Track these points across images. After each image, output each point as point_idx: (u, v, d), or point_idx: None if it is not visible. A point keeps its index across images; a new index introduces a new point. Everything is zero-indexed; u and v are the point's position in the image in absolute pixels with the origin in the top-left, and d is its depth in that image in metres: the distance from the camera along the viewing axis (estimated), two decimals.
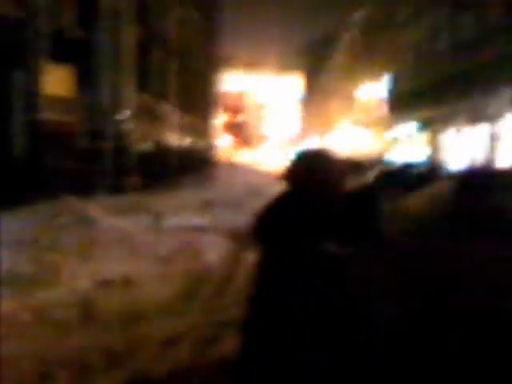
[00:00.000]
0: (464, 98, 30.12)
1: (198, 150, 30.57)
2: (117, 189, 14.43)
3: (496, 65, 26.19)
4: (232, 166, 31.71)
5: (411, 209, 17.94)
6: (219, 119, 47.05)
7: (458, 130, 31.88)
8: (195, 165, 27.98)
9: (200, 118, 32.98)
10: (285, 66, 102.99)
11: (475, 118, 28.97)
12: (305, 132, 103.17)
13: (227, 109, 27.34)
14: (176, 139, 22.92)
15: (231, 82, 73.83)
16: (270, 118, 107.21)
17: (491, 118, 27.03)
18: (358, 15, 60.58)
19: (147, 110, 19.01)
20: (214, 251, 7.89)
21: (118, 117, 15.74)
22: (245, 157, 51.74)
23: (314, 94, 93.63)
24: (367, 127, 55.32)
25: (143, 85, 18.96)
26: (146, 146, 17.58)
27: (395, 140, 44.76)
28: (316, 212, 2.34)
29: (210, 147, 35.68)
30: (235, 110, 25.59)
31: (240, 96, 28.52)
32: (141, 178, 16.27)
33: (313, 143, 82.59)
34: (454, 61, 32.28)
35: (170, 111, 22.90)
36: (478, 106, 28.16)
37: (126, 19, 16.62)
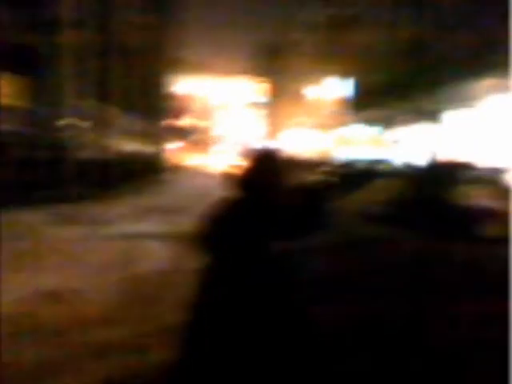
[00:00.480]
0: (408, 98, 30.84)
1: (146, 155, 30.33)
2: (56, 199, 14.21)
3: (438, 64, 26.90)
4: (181, 170, 31.59)
5: (353, 204, 18.32)
6: (169, 123, 46.74)
7: (403, 128, 32.61)
8: (143, 170, 27.76)
9: (148, 123, 32.75)
10: (237, 69, 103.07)
11: (418, 116, 29.70)
12: (259, 134, 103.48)
13: (175, 112, 27.13)
14: (121, 145, 22.71)
15: (182, 84, 73.43)
16: (223, 120, 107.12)
17: (432, 116, 27.76)
18: (308, 18, 61.17)
19: (89, 117, 18.80)
20: (152, 258, 7.91)
21: (57, 125, 15.53)
22: (196, 160, 51.50)
23: (267, 96, 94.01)
24: (318, 128, 55.95)
25: (84, 90, 18.75)
26: (87, 153, 17.37)
27: (345, 139, 45.44)
28: (267, 216, 2.30)
29: (159, 152, 35.43)
30: (182, 112, 25.44)
31: (187, 98, 28.38)
32: (83, 186, 16.06)
33: (266, 144, 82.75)
34: (398, 62, 32.97)
35: (114, 116, 22.67)
36: (420, 104, 28.88)
37: (86, 28, 16.48)
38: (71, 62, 17.31)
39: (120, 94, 24.20)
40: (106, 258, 7.46)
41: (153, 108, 33.98)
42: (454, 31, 25.62)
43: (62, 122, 15.90)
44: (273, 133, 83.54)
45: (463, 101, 24.50)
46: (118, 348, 5.07)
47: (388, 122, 34.36)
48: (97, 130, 19.49)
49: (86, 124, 17.94)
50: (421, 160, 28.52)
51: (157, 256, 8.11)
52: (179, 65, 64.73)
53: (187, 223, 12.09)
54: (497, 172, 12.99)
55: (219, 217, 2.37)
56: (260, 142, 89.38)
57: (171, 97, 31.05)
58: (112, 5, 22.95)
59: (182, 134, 51.92)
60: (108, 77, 22.83)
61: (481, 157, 20.93)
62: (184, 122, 59.99)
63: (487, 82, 22.32)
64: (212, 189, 19.15)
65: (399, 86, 31.90)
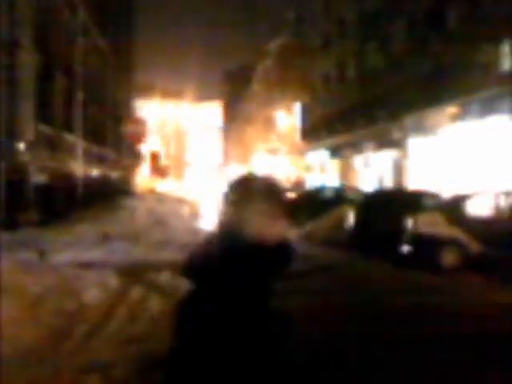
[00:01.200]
0: (370, 126, 31.15)
1: (109, 181, 29.89)
2: (9, 224, 13.76)
3: (399, 92, 27.25)
4: (146, 196, 31.17)
5: (317, 232, 18.25)
6: (137, 149, 46.44)
7: (366, 156, 32.84)
8: (106, 197, 27.30)
9: (113, 149, 32.36)
10: (204, 95, 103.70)
11: (381, 143, 29.97)
12: (226, 159, 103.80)
13: (140, 137, 26.83)
14: (82, 171, 22.28)
15: (149, 110, 73.25)
16: (191, 145, 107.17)
17: (396, 144, 28.01)
18: (273, 45, 61.85)
19: (48, 141, 18.37)
20: (95, 288, 7.59)
21: (13, 148, 15.12)
22: (164, 186, 51.16)
23: (234, 122, 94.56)
24: (283, 154, 56.20)
25: (44, 115, 18.35)
26: (44, 178, 16.93)
27: (308, 166, 45.64)
28: (265, 256, 1.94)
29: (124, 178, 34.99)
30: (137, 138, 25.01)
31: (142, 123, 27.95)
32: (38, 212, 15.61)
33: (234, 170, 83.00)
34: (360, 89, 33.39)
35: (76, 142, 22.27)
36: (383, 132, 29.15)
37: (24, 48, 16.09)
38: (29, 87, 16.95)
39: (82, 120, 23.87)
40: (44, 287, 7.11)
41: (119, 135, 33.66)
42: (411, 60, 26.01)
43: (20, 146, 15.47)
44: (242, 159, 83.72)
45: (427, 128, 24.76)
46: None
47: (353, 149, 34.60)
48: (55, 155, 19.05)
49: (42, 149, 17.48)
50: (384, 186, 28.81)
51: (102, 286, 7.80)
52: (147, 91, 64.92)
53: (139, 251, 11.92)
54: (458, 200, 12.97)
55: (217, 256, 1.93)
56: (231, 168, 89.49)
57: (138, 122, 30.72)
58: (73, 34, 22.73)
59: (151, 159, 51.67)
60: (70, 103, 22.51)
61: (444, 184, 21.13)
62: (151, 147, 59.65)
63: (450, 110, 22.61)
64: (172, 215, 18.93)
65: (363, 112, 32.24)
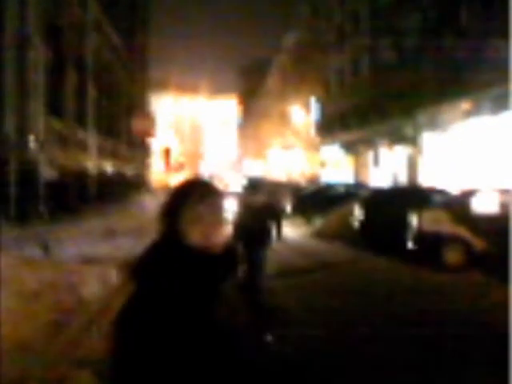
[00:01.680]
0: (384, 122, 31.00)
1: (124, 175, 30.08)
2: (21, 218, 13.96)
3: (413, 88, 27.07)
4: (160, 192, 31.33)
5: (327, 229, 18.30)
6: (152, 144, 46.62)
7: (379, 152, 32.71)
8: (120, 191, 27.48)
9: (127, 144, 32.54)
10: (219, 89, 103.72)
11: (394, 139, 29.83)
12: (241, 154, 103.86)
13: (136, 132, 26.77)
14: (95, 165, 22.48)
15: (163, 105, 73.53)
16: (206, 140, 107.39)
17: (409, 140, 27.86)
18: (288, 40, 61.63)
19: (59, 136, 18.57)
20: (95, 283, 7.69)
21: (24, 143, 15.31)
22: (178, 179, 51.38)
23: (249, 117, 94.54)
24: (298, 149, 56.12)
25: (56, 110, 18.54)
26: (56, 172, 17.12)
27: (323, 162, 45.53)
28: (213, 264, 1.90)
29: (138, 173, 35.21)
30: (145, 133, 24.98)
31: (150, 118, 27.86)
32: (49, 207, 15.80)
33: (249, 165, 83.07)
34: (373, 85, 33.23)
35: (88, 137, 22.47)
36: (397, 128, 29.01)
37: (35, 43, 16.25)
38: (40, 82, 17.12)
39: (95, 115, 24.04)
40: (43, 282, 7.22)
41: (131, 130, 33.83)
42: (424, 56, 25.83)
43: (32, 141, 15.66)
44: (257, 153, 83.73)
45: (440, 124, 24.59)
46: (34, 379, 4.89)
47: (367, 145, 34.48)
48: (67, 149, 19.25)
49: (54, 143, 17.67)
50: (397, 183, 28.69)
51: (102, 280, 7.91)
52: (161, 86, 65.16)
53: (143, 247, 11.95)
54: (464, 197, 12.88)
55: (159, 262, 1.90)
56: (246, 163, 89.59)
57: (146, 117, 30.81)
58: (85, 28, 22.88)
59: (164, 154, 51.91)
60: (83, 98, 22.67)
61: (456, 180, 21.02)
62: (164, 142, 59.86)
63: (463, 106, 22.43)
64: None
65: (378, 109, 32.09)
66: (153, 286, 1.83)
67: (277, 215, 9.40)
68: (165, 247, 1.88)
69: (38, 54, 16.82)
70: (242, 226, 9.10)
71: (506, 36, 20.00)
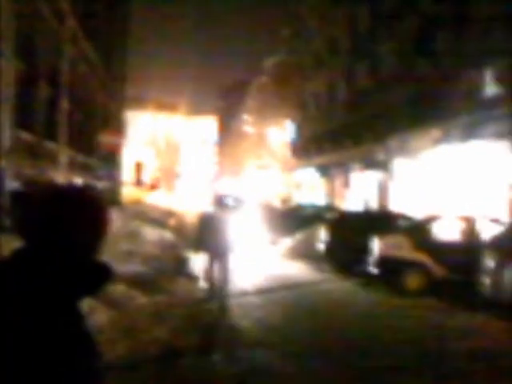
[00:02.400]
0: (357, 146, 31.32)
1: (97, 189, 29.80)
2: None
3: (386, 114, 27.43)
4: (130, 207, 31.12)
5: (296, 248, 18.32)
6: (125, 159, 46.35)
7: (352, 176, 32.99)
8: None
9: (100, 159, 32.23)
10: (198, 109, 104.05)
11: (366, 164, 30.12)
12: (218, 173, 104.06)
13: (104, 148, 26.22)
14: (63, 179, 22.24)
15: (141, 122, 73.48)
16: (183, 158, 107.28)
17: (380, 165, 28.14)
18: (269, 62, 62.17)
19: (28, 148, 18.34)
20: None
21: None
22: (153, 197, 51.09)
23: (227, 137, 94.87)
24: (274, 170, 56.37)
25: (25, 122, 18.30)
26: (18, 184, 16.89)
27: (297, 184, 45.77)
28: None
29: (110, 188, 34.89)
30: (112, 149, 24.50)
31: (118, 134, 27.40)
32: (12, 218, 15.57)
33: (226, 183, 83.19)
34: (348, 110, 33.62)
35: (58, 150, 22.24)
36: (369, 153, 29.30)
37: (5, 54, 16.09)
38: (9, 95, 16.93)
39: (67, 129, 23.83)
40: None
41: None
42: (398, 83, 26.26)
43: None
44: (234, 173, 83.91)
45: (410, 151, 24.91)
46: None
47: (340, 169, 34.76)
48: (34, 163, 19.01)
49: (21, 157, 17.44)
50: (368, 206, 28.91)
51: None
52: (139, 103, 65.19)
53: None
54: (426, 222, 13.01)
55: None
56: (223, 182, 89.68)
57: (114, 133, 30.70)
58: (59, 42, 22.78)
59: (137, 170, 51.81)
60: (54, 112, 22.48)
61: (424, 206, 21.24)
62: (138, 158, 59.69)
63: (433, 133, 22.77)
64: (149, 228, 18.91)
65: (351, 133, 32.41)
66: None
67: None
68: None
69: (9, 66, 16.65)
70: (200, 238, 9.47)
71: (477, 67, 20.44)
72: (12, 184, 16.20)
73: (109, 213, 1.99)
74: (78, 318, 1.86)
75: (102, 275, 1.90)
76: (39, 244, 1.83)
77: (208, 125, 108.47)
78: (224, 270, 9.68)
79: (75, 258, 1.84)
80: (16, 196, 15.94)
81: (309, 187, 42.28)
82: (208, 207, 13.47)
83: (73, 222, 1.85)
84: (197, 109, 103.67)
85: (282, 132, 52.22)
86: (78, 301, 1.85)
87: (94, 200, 1.97)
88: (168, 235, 18.27)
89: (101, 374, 1.92)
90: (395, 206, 25.16)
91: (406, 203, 23.97)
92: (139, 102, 69.08)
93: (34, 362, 1.71)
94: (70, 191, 1.97)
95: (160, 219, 24.76)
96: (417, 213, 16.45)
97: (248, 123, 72.71)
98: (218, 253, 9.68)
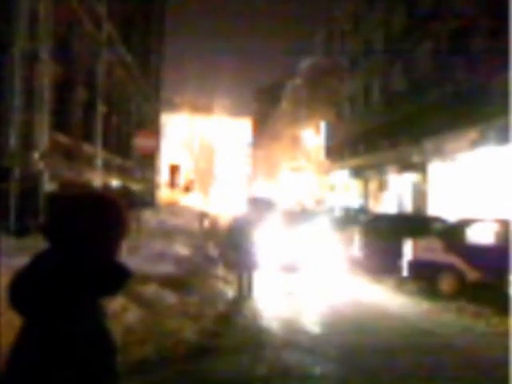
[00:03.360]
0: (392, 149, 31.03)
1: (130, 192, 30.24)
2: (19, 231, 14.04)
3: (421, 116, 27.13)
4: (166, 209, 31.47)
5: None
6: (161, 162, 46.87)
7: (387, 178, 32.68)
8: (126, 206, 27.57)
9: (137, 162, 32.65)
10: (234, 111, 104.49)
11: (402, 167, 29.81)
12: (254, 175, 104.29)
13: (139, 150, 26.49)
14: (100, 181, 22.65)
15: (177, 124, 74.19)
16: (219, 160, 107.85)
17: (416, 168, 27.84)
18: (304, 64, 62.09)
19: (64, 151, 18.73)
20: None
21: (28, 156, 15.47)
22: (188, 199, 51.57)
23: (262, 139, 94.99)
24: (308, 172, 56.23)
25: (63, 125, 18.71)
26: (55, 185, 17.27)
27: (332, 186, 45.58)
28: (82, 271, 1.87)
29: (146, 190, 35.38)
30: (147, 151, 24.95)
31: (153, 136, 27.73)
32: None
33: (260, 186, 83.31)
34: (384, 112, 33.33)
35: (95, 153, 22.65)
36: (405, 155, 29.00)
37: (43, 60, 16.48)
38: (47, 98, 17.32)
39: (103, 132, 24.22)
40: None
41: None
42: (434, 84, 25.94)
43: (34, 155, 15.82)
44: (268, 175, 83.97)
45: (447, 153, 24.58)
46: None
47: (375, 171, 34.49)
48: (71, 165, 19.40)
49: (58, 158, 17.83)
50: (401, 209, 28.61)
51: None
52: (175, 105, 65.80)
53: (133, 263, 12.02)
54: (460, 225, 12.82)
55: (35, 277, 1.88)
56: (258, 184, 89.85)
57: (149, 135, 31.01)
58: (96, 46, 23.15)
59: (174, 173, 52.24)
60: (91, 115, 22.88)
61: (461, 209, 20.94)
62: (175, 160, 60.24)
63: (470, 135, 22.42)
64: (183, 230, 19.08)
65: (387, 135, 32.15)
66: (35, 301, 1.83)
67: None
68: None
69: (47, 69, 17.03)
70: (231, 241, 10.45)
71: None
72: (49, 186, 16.58)
73: (128, 216, 2.03)
74: (97, 315, 1.92)
75: (120, 276, 1.96)
76: (63, 245, 1.90)
77: (243, 127, 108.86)
78: (249, 277, 10.14)
79: (96, 259, 1.91)
80: (52, 198, 16.27)
81: (343, 189, 42.08)
82: (240, 210, 13.75)
83: (94, 225, 1.95)
84: (232, 111, 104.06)
85: (317, 134, 52.05)
86: (99, 299, 1.92)
87: (113, 204, 2.04)
88: (201, 237, 18.39)
89: (116, 370, 1.97)
90: (431, 208, 24.89)
91: (442, 206, 23.67)
92: (174, 105, 69.78)
93: (54, 355, 1.78)
94: (91, 197, 2.06)
95: (192, 221, 24.95)
96: (453, 216, 16.21)
97: (282, 125, 72.73)
98: (247, 258, 10.14)
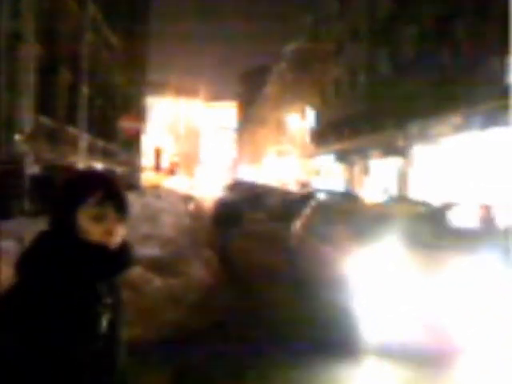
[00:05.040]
0: (376, 133, 31.17)
1: (114, 174, 30.14)
2: (2, 214, 13.96)
3: (406, 100, 27.22)
4: (150, 191, 31.37)
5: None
6: (145, 144, 46.68)
7: (371, 162, 32.85)
8: None
9: (121, 145, 32.57)
10: (219, 95, 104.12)
11: (386, 151, 29.98)
12: (237, 159, 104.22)
13: (124, 133, 26.14)
14: (83, 163, 22.55)
15: (161, 107, 73.78)
16: (204, 144, 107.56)
17: (400, 152, 27.99)
18: (289, 48, 61.90)
19: (48, 133, 18.62)
20: None
21: (11, 139, 15.35)
22: (172, 182, 51.46)
23: (246, 123, 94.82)
24: (293, 157, 56.32)
25: (47, 107, 18.58)
26: (39, 169, 17.17)
27: (316, 170, 45.73)
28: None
29: (129, 173, 35.23)
30: (132, 134, 24.56)
31: (138, 119, 27.38)
32: (33, 202, 15.85)
33: (245, 170, 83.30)
34: (369, 96, 33.41)
35: (79, 136, 22.52)
36: (389, 139, 29.15)
37: (26, 40, 16.31)
38: (30, 80, 17.16)
39: (88, 114, 24.07)
40: (5, 276, 7.25)
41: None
42: (419, 69, 26.02)
43: (16, 137, 15.70)
44: (253, 158, 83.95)
45: (431, 137, 24.73)
46: None
47: (359, 155, 34.64)
48: (54, 147, 19.30)
49: (42, 141, 17.72)
50: (385, 193, 28.78)
51: None
52: (160, 88, 65.41)
53: None
54: (445, 209, 12.93)
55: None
56: (243, 168, 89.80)
57: (134, 118, 30.78)
58: (79, 28, 22.93)
59: (157, 156, 52.12)
60: (75, 97, 22.71)
61: (444, 193, 21.11)
62: (159, 143, 59.96)
63: (455, 120, 22.57)
64: (168, 212, 19.07)
65: (371, 119, 32.25)
66: (39, 277, 1.73)
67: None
68: (58, 239, 1.79)
69: (31, 50, 16.87)
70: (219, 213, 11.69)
71: (500, 53, 20.17)
72: (33, 168, 16.50)
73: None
74: (96, 299, 1.87)
75: (122, 258, 1.88)
76: (61, 226, 1.87)
77: (228, 110, 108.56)
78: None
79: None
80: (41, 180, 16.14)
81: (327, 174, 42.22)
82: (224, 193, 14.17)
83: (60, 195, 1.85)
84: (217, 94, 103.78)
85: (302, 118, 52.08)
86: (98, 282, 1.88)
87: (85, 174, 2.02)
88: (185, 219, 18.42)
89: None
90: (415, 192, 25.07)
91: (425, 190, 23.86)
92: (159, 87, 69.28)
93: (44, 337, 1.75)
94: (89, 175, 1.97)
95: (177, 204, 24.95)
96: (436, 200, 16.34)
97: (267, 109, 72.60)
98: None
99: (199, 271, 10.12)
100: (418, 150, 26.53)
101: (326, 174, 42.69)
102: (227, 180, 48.98)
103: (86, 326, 1.78)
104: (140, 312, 7.06)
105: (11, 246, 9.58)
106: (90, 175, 1.98)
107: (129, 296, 7.52)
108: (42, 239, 1.82)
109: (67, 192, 1.85)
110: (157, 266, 9.49)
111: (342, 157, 38.12)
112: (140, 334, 6.34)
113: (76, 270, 1.76)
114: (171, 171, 57.09)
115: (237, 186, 32.47)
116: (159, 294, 8.18)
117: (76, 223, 1.79)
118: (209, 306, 8.42)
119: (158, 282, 8.64)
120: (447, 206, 12.54)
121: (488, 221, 11.77)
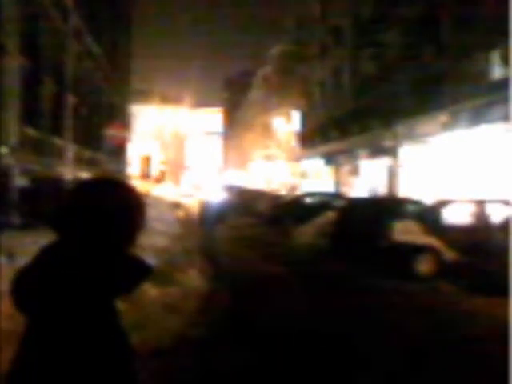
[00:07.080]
0: (364, 133, 31.20)
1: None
2: None
3: (392, 100, 27.26)
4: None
5: (302, 238, 18.26)
6: (132, 153, 46.43)
7: (359, 163, 32.87)
8: None
9: (107, 154, 32.32)
10: (204, 101, 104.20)
11: (374, 151, 30.01)
12: (225, 164, 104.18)
13: (110, 141, 25.87)
14: (71, 174, 22.33)
15: (146, 115, 73.54)
16: (190, 151, 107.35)
17: (388, 151, 28.02)
18: (273, 52, 61.97)
19: (34, 145, 18.41)
20: None
21: None
22: (160, 190, 51.18)
23: (233, 128, 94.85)
24: (280, 160, 56.32)
25: (32, 119, 18.38)
26: (27, 181, 16.96)
27: (304, 173, 45.72)
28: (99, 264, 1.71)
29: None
30: (118, 142, 24.26)
31: (123, 127, 27.27)
32: (22, 215, 15.62)
33: (232, 175, 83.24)
34: (354, 97, 33.47)
35: (65, 146, 22.31)
36: (376, 139, 29.17)
37: (10, 53, 16.13)
38: (14, 92, 16.99)
39: (73, 124, 23.87)
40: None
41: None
42: (404, 68, 26.08)
43: (2, 150, 15.50)
44: (240, 164, 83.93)
45: (418, 136, 24.76)
46: None
47: (347, 156, 34.64)
48: (41, 159, 19.07)
49: (27, 153, 17.50)
50: (376, 193, 28.83)
51: None
52: (145, 96, 65.16)
53: None
54: (437, 207, 12.94)
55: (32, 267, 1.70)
56: (230, 173, 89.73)
57: (119, 126, 30.64)
58: (63, 39, 22.78)
59: (144, 163, 51.87)
60: (59, 108, 22.54)
61: (434, 191, 21.15)
62: (145, 151, 59.74)
63: (442, 118, 22.59)
64: (156, 220, 18.89)
65: (358, 120, 32.28)
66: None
67: None
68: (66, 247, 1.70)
69: (14, 63, 16.68)
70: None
71: (484, 49, 20.24)
72: (20, 181, 16.27)
73: (144, 206, 1.90)
74: (112, 315, 1.72)
75: (140, 272, 1.80)
76: (74, 237, 1.72)
77: (214, 116, 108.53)
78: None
79: (112, 252, 1.72)
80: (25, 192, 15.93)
81: (315, 176, 42.19)
82: (209, 196, 14.62)
83: (111, 214, 1.75)
84: (202, 101, 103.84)
85: (288, 122, 52.09)
86: (114, 298, 1.73)
87: (132, 192, 1.88)
88: (175, 227, 18.28)
89: (135, 371, 1.80)
90: (404, 192, 25.09)
91: (415, 189, 23.89)
92: (144, 96, 69.09)
93: (61, 360, 1.61)
94: (108, 183, 1.86)
95: (166, 211, 24.80)
96: (426, 198, 16.34)
97: (253, 114, 72.58)
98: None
99: (195, 279, 10.00)
100: (407, 149, 26.56)
101: (314, 177, 42.66)
102: (215, 185, 48.90)
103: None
104: (137, 322, 6.92)
105: (1, 261, 9.40)
106: (127, 188, 1.92)
107: (124, 307, 7.38)
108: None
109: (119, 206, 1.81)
110: (152, 275, 9.35)
111: (330, 158, 38.10)
112: (137, 343, 6.21)
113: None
114: (158, 179, 56.88)
115: (226, 191, 32.40)
116: (155, 303, 8.05)
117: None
118: (206, 313, 8.33)
119: (153, 291, 8.51)
120: (441, 204, 12.55)
121: (482, 217, 11.78)
